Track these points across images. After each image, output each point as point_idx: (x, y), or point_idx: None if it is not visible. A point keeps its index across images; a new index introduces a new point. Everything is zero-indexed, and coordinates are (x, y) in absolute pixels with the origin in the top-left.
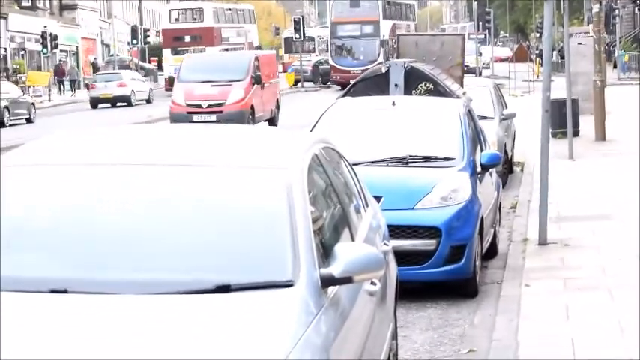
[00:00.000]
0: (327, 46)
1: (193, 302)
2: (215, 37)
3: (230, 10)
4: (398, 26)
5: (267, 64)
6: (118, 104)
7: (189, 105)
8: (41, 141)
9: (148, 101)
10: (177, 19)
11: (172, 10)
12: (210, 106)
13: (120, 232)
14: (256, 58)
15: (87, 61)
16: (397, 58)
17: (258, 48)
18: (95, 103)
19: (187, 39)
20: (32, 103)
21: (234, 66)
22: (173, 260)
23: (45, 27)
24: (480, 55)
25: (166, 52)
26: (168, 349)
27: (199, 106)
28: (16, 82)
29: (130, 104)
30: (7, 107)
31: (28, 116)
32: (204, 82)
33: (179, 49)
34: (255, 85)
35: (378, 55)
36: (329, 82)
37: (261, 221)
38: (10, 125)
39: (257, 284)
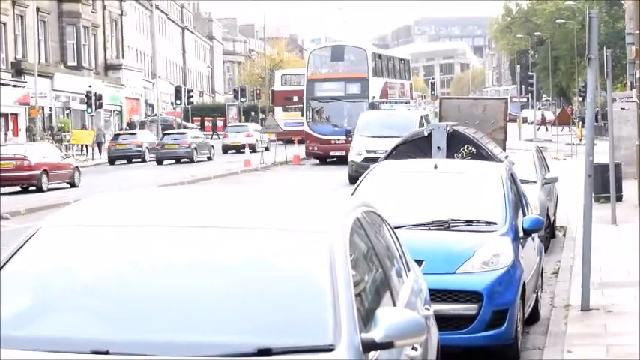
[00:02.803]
0: (303, 108)
1: None
2: None
3: None
4: (390, 85)
5: None
6: (242, 151)
7: None
8: (84, 202)
9: (267, 149)
10: (286, 82)
11: (283, 74)
12: None
13: (162, 294)
14: None
15: (127, 121)
16: (439, 121)
17: None
18: (226, 149)
19: (295, 99)
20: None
21: None
22: (214, 323)
23: (90, 86)
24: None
25: (277, 109)
26: None
27: None
28: (60, 141)
29: (254, 151)
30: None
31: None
32: None
33: (287, 106)
34: None
35: None
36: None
37: (302, 284)
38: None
39: (298, 348)
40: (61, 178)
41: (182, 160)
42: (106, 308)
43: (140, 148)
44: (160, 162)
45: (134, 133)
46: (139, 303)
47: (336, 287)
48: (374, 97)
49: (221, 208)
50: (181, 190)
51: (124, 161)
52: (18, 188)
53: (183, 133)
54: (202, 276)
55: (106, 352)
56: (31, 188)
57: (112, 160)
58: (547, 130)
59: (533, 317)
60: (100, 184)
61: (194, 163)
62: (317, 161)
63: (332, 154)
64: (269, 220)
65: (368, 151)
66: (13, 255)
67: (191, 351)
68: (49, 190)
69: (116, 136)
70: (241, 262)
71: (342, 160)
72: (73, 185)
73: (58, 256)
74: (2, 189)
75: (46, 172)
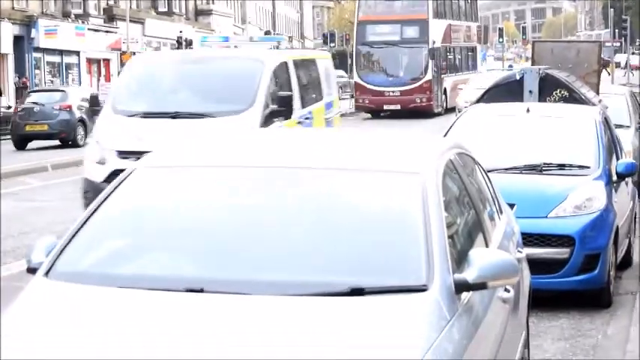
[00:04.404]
0: (352, 55)
1: (327, 304)
2: None
3: None
4: (454, 29)
5: None
6: None
7: None
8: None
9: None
10: None
11: None
12: None
13: (255, 233)
14: None
15: None
16: (532, 64)
17: None
18: None
19: None
20: None
21: None
22: (308, 262)
23: (180, 32)
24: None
25: None
26: (301, 350)
27: None
28: None
29: None
30: None
31: None
32: None
33: None
34: None
35: (426, 70)
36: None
37: (395, 225)
38: None
39: (391, 288)
40: None
41: None
42: (201, 248)
43: None
44: None
45: None
46: (233, 242)
47: (429, 228)
48: (434, 41)
49: (314, 149)
50: (274, 133)
51: None
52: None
53: None
54: (295, 216)
55: (201, 290)
56: None
57: None
58: (632, 74)
59: (625, 262)
60: None
61: None
62: (368, 115)
63: (385, 107)
64: (362, 160)
65: (123, 155)
66: (109, 195)
67: (284, 290)
68: None
69: None
70: (334, 202)
71: (396, 115)
72: None
73: (153, 196)
74: None
75: None
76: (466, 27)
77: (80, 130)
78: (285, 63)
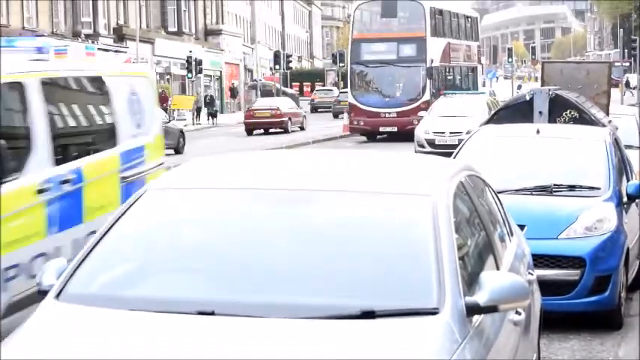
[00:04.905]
0: (347, 74)
1: (338, 327)
2: None
3: None
4: (454, 47)
5: None
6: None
7: None
8: (189, 164)
9: None
10: None
11: None
12: None
13: (267, 256)
14: None
15: (229, 85)
16: (541, 85)
17: None
18: (315, 108)
19: None
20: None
21: None
22: (319, 285)
23: (190, 52)
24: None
25: None
26: None
27: None
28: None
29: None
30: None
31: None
32: None
33: None
34: None
35: (423, 90)
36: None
37: (406, 248)
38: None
39: (402, 311)
40: (296, 123)
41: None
42: (211, 270)
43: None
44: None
45: (331, 90)
46: (243, 265)
47: (440, 250)
48: (432, 60)
49: (323, 171)
50: (284, 154)
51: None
52: (261, 130)
53: None
54: (305, 238)
55: (212, 313)
56: (273, 130)
57: (314, 109)
58: (633, 94)
59: (636, 284)
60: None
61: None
62: (363, 138)
63: (381, 129)
64: (372, 182)
65: None
66: (119, 217)
67: (295, 312)
68: (292, 131)
69: (318, 91)
70: (344, 224)
71: (393, 137)
72: (302, 129)
73: (164, 218)
74: (255, 130)
75: (290, 119)
76: (466, 46)
77: None
78: (20, 84)
